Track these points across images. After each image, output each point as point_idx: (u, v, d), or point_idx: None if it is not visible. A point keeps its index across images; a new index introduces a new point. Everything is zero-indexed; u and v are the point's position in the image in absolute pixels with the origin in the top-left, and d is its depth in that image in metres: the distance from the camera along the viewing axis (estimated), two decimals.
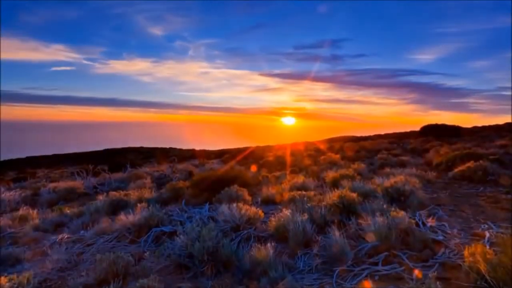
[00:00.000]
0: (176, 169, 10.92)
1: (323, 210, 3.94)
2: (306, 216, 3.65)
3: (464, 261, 2.56)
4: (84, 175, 9.63)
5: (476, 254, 2.39)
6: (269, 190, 5.83)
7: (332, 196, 4.27)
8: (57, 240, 4.19)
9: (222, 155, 21.14)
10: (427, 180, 6.50)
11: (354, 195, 4.22)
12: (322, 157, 11.89)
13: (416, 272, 2.65)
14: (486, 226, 3.70)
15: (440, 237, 3.31)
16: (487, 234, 3.32)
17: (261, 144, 26.91)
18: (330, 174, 6.80)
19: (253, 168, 10.67)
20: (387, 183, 5.06)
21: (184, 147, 37.18)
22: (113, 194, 5.96)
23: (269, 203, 5.36)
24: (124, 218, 4.21)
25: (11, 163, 27.60)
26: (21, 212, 5.59)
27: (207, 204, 5.07)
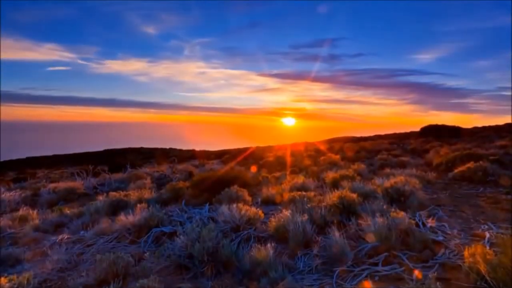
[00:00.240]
0: (176, 170, 10.92)
1: (323, 210, 3.94)
2: (306, 216, 3.65)
3: (464, 262, 2.56)
4: (84, 175, 9.63)
5: (476, 255, 2.39)
6: (269, 191, 5.83)
7: (332, 197, 4.27)
8: (57, 240, 4.19)
9: (222, 155, 21.14)
10: (427, 181, 6.50)
11: (354, 195, 4.22)
12: (322, 157, 11.89)
13: (416, 273, 2.65)
14: (486, 226, 3.70)
15: (440, 238, 3.31)
16: (487, 235, 3.32)
17: (261, 145, 26.94)
18: (330, 175, 6.81)
19: (253, 168, 10.67)
20: (387, 183, 5.06)
21: (184, 147, 37.18)
22: (113, 194, 5.96)
23: (269, 204, 5.36)
24: (124, 219, 4.21)
25: (11, 164, 27.60)
26: (21, 212, 5.59)
27: (207, 204, 5.07)
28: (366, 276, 2.72)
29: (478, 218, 4.07)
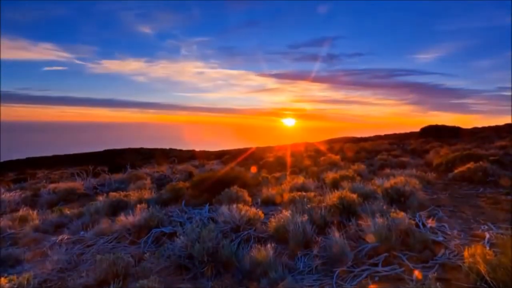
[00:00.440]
0: (176, 170, 10.92)
1: (323, 211, 3.94)
2: (306, 217, 3.65)
3: (464, 262, 2.56)
4: (84, 176, 9.63)
5: (476, 255, 2.39)
6: (269, 191, 5.83)
7: (332, 197, 4.27)
8: (57, 241, 4.19)
9: (222, 156, 21.14)
10: (427, 181, 6.50)
11: (354, 196, 4.22)
12: (322, 158, 11.89)
13: (416, 273, 2.65)
14: (486, 227, 3.70)
15: (440, 238, 3.31)
16: (487, 235, 3.32)
17: (261, 145, 26.94)
18: (330, 175, 6.81)
19: (253, 169, 10.67)
20: (387, 184, 5.06)
21: (184, 148, 37.18)
22: (113, 195, 5.96)
23: (269, 204, 5.36)
24: (124, 219, 4.21)
25: (11, 164, 27.59)
26: (21, 213, 5.59)
27: (207, 205, 5.07)
28: (366, 277, 2.72)
29: (478, 219, 4.07)
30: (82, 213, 5.52)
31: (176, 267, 3.15)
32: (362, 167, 8.47)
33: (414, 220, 3.66)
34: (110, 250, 3.69)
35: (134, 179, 9.43)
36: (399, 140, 21.67)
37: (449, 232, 3.52)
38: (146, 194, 6.07)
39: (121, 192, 6.21)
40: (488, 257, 2.34)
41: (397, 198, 4.65)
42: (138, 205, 4.69)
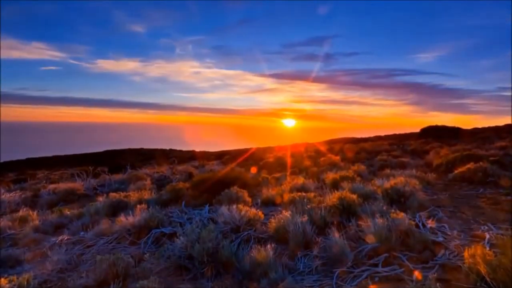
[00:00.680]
0: (176, 171, 10.92)
1: (323, 211, 3.94)
2: (306, 217, 3.65)
3: (464, 263, 2.56)
4: (84, 176, 9.63)
5: (476, 256, 2.39)
6: (269, 192, 5.83)
7: (332, 198, 4.27)
8: (57, 241, 4.19)
9: (222, 156, 21.15)
10: (427, 182, 6.50)
11: (354, 196, 4.22)
12: (322, 158, 11.89)
13: (416, 274, 2.65)
14: (486, 227, 3.70)
15: (440, 239, 3.31)
16: (487, 236, 3.32)
17: (261, 146, 26.95)
18: (330, 176, 6.81)
19: (253, 169, 10.67)
20: (387, 184, 5.06)
21: (184, 148, 37.18)
22: (113, 195, 5.96)
23: (269, 205, 5.36)
24: (124, 220, 4.21)
25: (11, 165, 27.59)
26: (21, 213, 5.59)
27: (207, 205, 5.07)
28: (366, 277, 2.72)
29: (478, 219, 4.07)
30: (82, 213, 5.52)
31: (176, 268, 3.15)
32: (362, 167, 8.47)
33: (414, 220, 3.65)
34: (110, 251, 3.69)
35: (134, 180, 9.44)
36: (399, 141, 21.68)
37: (449, 233, 3.52)
38: (146, 195, 6.07)
39: (121, 193, 6.22)
40: (488, 257, 2.33)
41: (397, 199, 4.65)
42: (138, 206, 4.70)
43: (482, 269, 2.26)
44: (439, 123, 25.38)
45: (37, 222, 5.23)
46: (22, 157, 31.46)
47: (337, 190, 4.86)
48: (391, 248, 3.05)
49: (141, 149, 35.93)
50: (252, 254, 3.03)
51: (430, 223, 3.69)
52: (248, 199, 5.35)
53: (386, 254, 2.98)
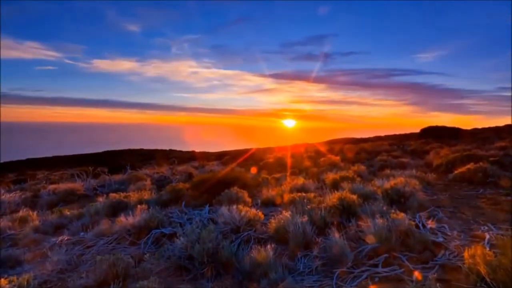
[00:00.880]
0: (176, 171, 10.92)
1: (323, 211, 3.94)
2: (306, 217, 3.65)
3: (464, 263, 2.56)
4: (84, 176, 9.63)
5: (476, 256, 2.39)
6: (269, 192, 5.83)
7: (332, 198, 4.27)
8: (57, 241, 4.19)
9: (222, 157, 21.15)
10: (427, 182, 6.50)
11: (354, 197, 4.23)
12: (322, 159, 11.89)
13: (416, 274, 2.65)
14: (486, 228, 3.70)
15: (440, 239, 3.31)
16: (487, 236, 3.32)
17: (261, 146, 26.95)
18: (330, 176, 6.81)
19: (253, 170, 10.67)
20: (387, 184, 5.06)
21: (184, 149, 37.19)
22: (113, 195, 5.96)
23: (269, 205, 5.36)
24: (124, 220, 4.21)
25: (11, 165, 27.59)
26: (21, 213, 5.59)
27: (207, 206, 5.07)
28: (366, 277, 2.72)
29: (478, 219, 4.07)
30: (82, 214, 5.51)
31: (176, 268, 3.15)
32: (362, 168, 8.47)
33: (414, 221, 3.65)
34: (110, 251, 3.69)
35: (134, 180, 9.43)
36: (399, 141, 21.68)
37: (449, 233, 3.52)
38: (146, 195, 6.07)
39: (121, 193, 6.22)
40: (488, 258, 2.33)
41: (397, 199, 4.65)
42: (138, 206, 4.69)
43: (482, 269, 2.26)
44: (439, 124, 25.44)
45: (37, 222, 5.23)
46: (22, 157, 31.46)
47: (337, 190, 4.86)
48: (391, 249, 3.05)
49: (141, 149, 35.94)
50: (252, 255, 3.03)
51: (430, 224, 3.70)
52: (248, 200, 5.35)
53: (386, 255, 2.98)
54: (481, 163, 6.73)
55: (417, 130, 26.52)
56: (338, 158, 11.99)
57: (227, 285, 2.82)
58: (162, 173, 10.46)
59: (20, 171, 21.70)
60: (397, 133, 30.20)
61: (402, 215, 3.45)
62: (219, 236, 3.24)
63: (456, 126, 25.26)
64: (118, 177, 10.38)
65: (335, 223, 3.78)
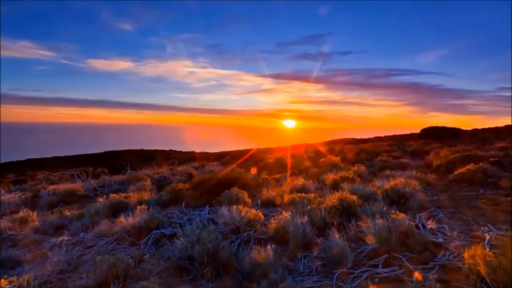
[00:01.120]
0: (176, 171, 10.93)
1: (323, 212, 3.94)
2: (306, 218, 3.65)
3: (464, 263, 2.57)
4: (84, 177, 9.63)
5: (476, 257, 2.39)
6: (269, 193, 5.83)
7: (332, 199, 4.27)
8: (57, 242, 4.19)
9: (222, 157, 21.15)
10: (427, 183, 6.50)
11: (354, 197, 4.23)
12: (322, 159, 11.88)
13: (416, 274, 2.65)
14: (486, 228, 3.70)
15: (440, 240, 3.31)
16: (487, 237, 3.32)
17: (261, 146, 26.94)
18: (330, 176, 6.81)
19: (253, 170, 10.67)
20: (387, 185, 5.06)
21: (184, 149, 37.19)
22: (113, 196, 5.96)
23: (269, 206, 5.36)
24: (124, 221, 4.21)
25: (11, 165, 27.59)
26: (21, 214, 5.59)
27: (207, 206, 5.07)
28: (366, 278, 2.72)
29: (478, 220, 4.07)
30: (82, 214, 5.51)
31: (176, 269, 3.15)
32: (362, 168, 8.47)
33: (414, 221, 3.65)
34: (110, 252, 3.69)
35: (134, 181, 9.43)
36: (399, 142, 21.68)
37: (449, 234, 3.52)
38: (146, 196, 6.07)
39: (121, 194, 6.21)
40: (488, 258, 2.34)
41: (397, 200, 4.65)
42: (138, 207, 4.69)
43: (482, 270, 2.27)
44: (439, 124, 25.45)
45: (37, 223, 5.23)
46: (22, 158, 31.46)
47: (337, 191, 4.87)
48: (391, 249, 3.05)
49: (141, 150, 35.93)
50: (252, 255, 3.03)
51: (430, 224, 3.70)
52: (248, 200, 5.35)
53: (386, 255, 2.98)
54: (481, 164, 6.73)
55: (417, 131, 26.53)
56: (338, 158, 11.98)
57: (227, 286, 2.82)
58: (162, 174, 10.46)
59: (20, 171, 21.70)
60: (397, 133, 30.21)
61: (402, 215, 3.45)
62: (219, 236, 3.25)
63: (456, 126, 25.29)
64: (118, 177, 10.38)
65: (335, 223, 3.78)
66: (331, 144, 24.86)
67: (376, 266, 2.88)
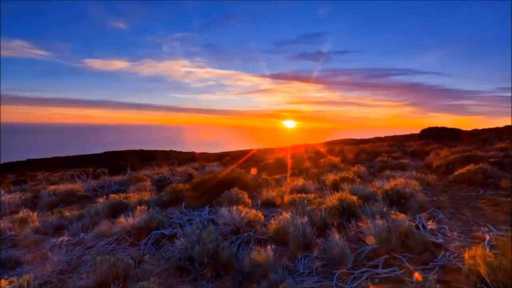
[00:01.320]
0: (176, 172, 10.93)
1: (323, 212, 3.94)
2: (306, 218, 3.66)
3: (464, 264, 2.57)
4: (84, 177, 9.63)
5: (476, 257, 2.39)
6: (269, 193, 5.83)
7: (332, 199, 4.27)
8: (57, 242, 4.19)
9: (222, 157, 21.16)
10: (427, 183, 6.50)
11: (354, 198, 4.23)
12: (322, 159, 11.88)
13: (416, 275, 2.65)
14: (486, 229, 3.70)
15: (440, 240, 3.31)
16: (487, 237, 3.32)
17: (262, 147, 26.94)
18: (330, 177, 6.81)
19: (253, 170, 10.67)
20: (387, 186, 5.06)
21: (184, 149, 37.20)
22: (113, 196, 5.96)
23: (269, 206, 5.36)
24: (124, 221, 4.21)
25: (11, 166, 27.59)
26: (21, 214, 5.59)
27: (207, 206, 5.07)
28: (366, 278, 2.72)
29: (478, 220, 4.07)
30: (82, 215, 5.51)
31: (176, 269, 3.15)
32: (362, 169, 8.47)
33: (414, 222, 3.66)
34: (110, 252, 3.69)
35: (134, 181, 9.44)
36: (399, 142, 21.69)
37: (449, 234, 3.52)
38: (146, 196, 6.07)
39: (121, 194, 6.21)
40: (488, 259, 2.34)
41: (397, 200, 4.65)
42: (138, 207, 4.70)
43: (482, 270, 2.27)
44: (439, 124, 25.44)
45: (37, 223, 5.23)
46: (21, 158, 31.46)
47: (337, 191, 4.87)
48: (391, 250, 3.05)
49: (141, 150, 35.93)
50: (252, 256, 3.03)
51: (430, 225, 3.70)
52: (248, 201, 5.35)
53: (386, 256, 2.98)
54: (481, 164, 6.73)
55: (417, 131, 26.54)
56: (338, 159, 11.99)
57: (227, 286, 2.82)
58: (162, 174, 10.46)
59: (20, 172, 21.69)
60: (397, 134, 30.23)
61: (402, 216, 3.45)
62: (219, 237, 3.25)
63: (456, 127, 25.29)
64: (118, 178, 10.38)
65: (335, 224, 3.78)
66: (331, 144, 24.86)
67: (376, 266, 2.88)
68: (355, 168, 8.44)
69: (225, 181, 6.17)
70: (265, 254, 2.98)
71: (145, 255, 3.54)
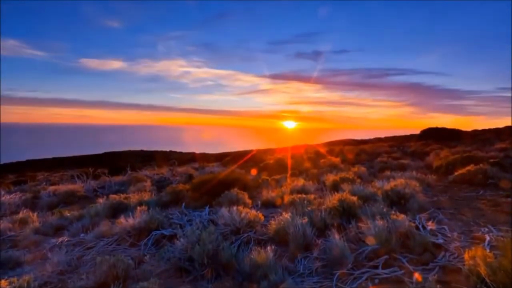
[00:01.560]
0: (176, 172, 10.92)
1: (323, 213, 3.94)
2: (306, 219, 3.66)
3: (464, 265, 2.56)
4: (84, 178, 9.63)
5: (476, 258, 2.39)
6: (269, 193, 5.83)
7: (332, 200, 4.27)
8: (57, 243, 4.19)
9: (222, 158, 21.15)
10: (427, 184, 6.50)
11: (354, 198, 4.23)
12: (322, 160, 11.89)
13: (416, 275, 2.65)
14: (486, 229, 3.70)
15: (440, 241, 3.31)
16: (487, 238, 3.32)
17: (262, 147, 26.94)
18: (330, 177, 6.81)
19: (253, 171, 10.67)
20: (387, 186, 5.07)
21: (184, 150, 37.21)
22: (113, 197, 5.96)
23: (269, 206, 5.36)
24: (124, 221, 4.21)
25: (11, 166, 27.59)
26: (21, 215, 5.59)
27: (207, 207, 5.07)
28: (366, 279, 2.72)
29: (478, 221, 4.07)
30: (82, 215, 5.51)
31: (176, 270, 3.15)
32: (362, 169, 8.47)
33: (414, 222, 3.66)
34: (110, 252, 3.69)
35: (134, 181, 9.43)
36: (399, 142, 21.70)
37: (449, 235, 3.52)
38: (146, 196, 6.07)
39: (121, 194, 6.22)
40: (488, 259, 2.33)
41: (397, 201, 4.65)
42: (138, 207, 4.70)
43: (483, 271, 2.26)
44: (439, 125, 25.46)
45: (37, 223, 5.23)
46: (21, 158, 31.47)
47: (337, 192, 4.87)
48: (391, 250, 3.05)
49: (141, 150, 35.95)
50: (252, 256, 3.03)
51: (430, 225, 3.70)
52: (248, 201, 5.35)
53: (386, 256, 2.98)
54: (481, 165, 6.73)
55: (417, 132, 26.58)
56: (338, 159, 11.99)
57: (227, 287, 2.82)
58: (162, 174, 10.46)
59: (20, 172, 21.70)
60: (397, 134, 30.26)
61: (402, 216, 3.45)
62: (219, 237, 3.24)
63: (456, 127, 25.31)
64: (118, 178, 10.38)
65: (335, 224, 3.78)
66: (331, 145, 24.87)
67: (376, 267, 2.88)
68: (355, 169, 8.45)
69: (225, 182, 6.17)
70: (265, 254, 2.98)
71: (145, 255, 3.54)
